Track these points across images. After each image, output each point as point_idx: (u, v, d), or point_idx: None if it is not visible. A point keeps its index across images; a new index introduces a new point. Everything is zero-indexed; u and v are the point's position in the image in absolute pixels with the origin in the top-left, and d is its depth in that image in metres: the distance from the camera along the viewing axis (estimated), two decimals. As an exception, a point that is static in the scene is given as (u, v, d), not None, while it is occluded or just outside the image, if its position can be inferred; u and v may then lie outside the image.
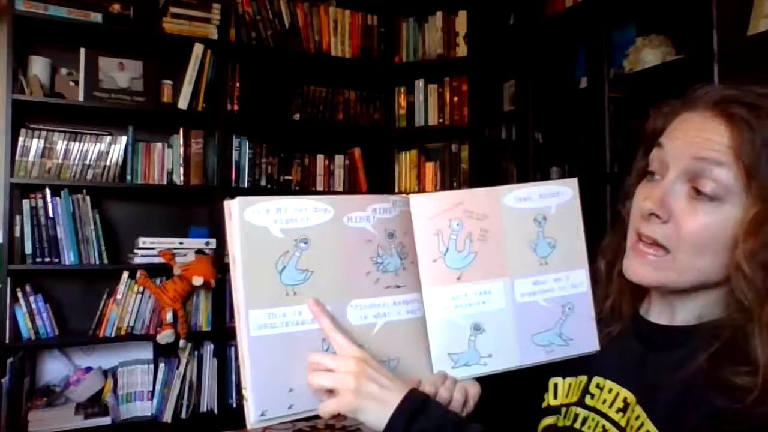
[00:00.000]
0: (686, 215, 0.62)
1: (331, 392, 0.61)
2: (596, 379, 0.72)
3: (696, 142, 0.62)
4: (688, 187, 0.63)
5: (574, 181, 0.76)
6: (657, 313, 0.71)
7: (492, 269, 0.72)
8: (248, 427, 0.62)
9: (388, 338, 0.67)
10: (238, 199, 0.61)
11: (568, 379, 0.77)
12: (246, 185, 2.65)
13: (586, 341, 0.74)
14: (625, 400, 0.67)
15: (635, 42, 1.96)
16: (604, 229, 0.78)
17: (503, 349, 0.72)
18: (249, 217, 0.61)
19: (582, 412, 0.72)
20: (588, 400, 0.72)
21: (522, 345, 0.73)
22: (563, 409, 0.75)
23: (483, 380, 0.73)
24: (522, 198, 0.73)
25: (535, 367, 0.74)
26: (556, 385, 0.78)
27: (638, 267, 0.67)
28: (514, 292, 0.73)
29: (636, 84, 1.96)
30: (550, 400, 0.78)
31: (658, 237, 0.64)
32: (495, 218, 0.72)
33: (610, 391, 0.69)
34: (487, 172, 2.76)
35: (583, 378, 0.74)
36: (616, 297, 0.74)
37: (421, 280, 0.70)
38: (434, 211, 0.71)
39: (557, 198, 0.74)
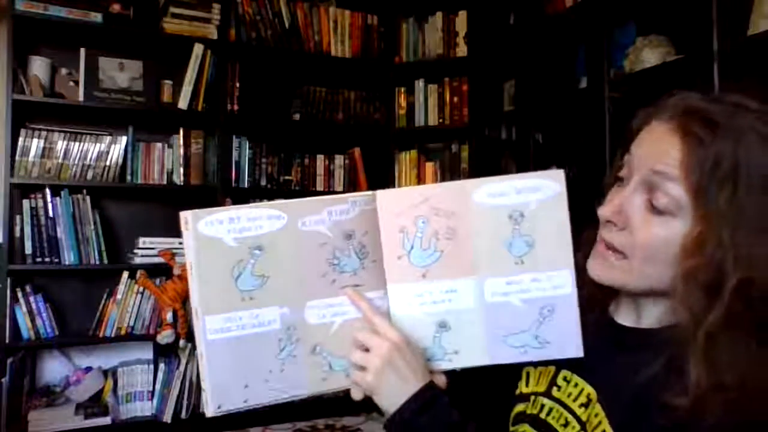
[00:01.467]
0: (640, 225, 0.63)
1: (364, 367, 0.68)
2: (564, 372, 0.74)
3: (654, 155, 0.62)
4: (645, 198, 0.63)
5: (559, 174, 0.69)
6: (624, 314, 0.72)
7: (459, 268, 0.71)
8: (207, 415, 0.66)
9: (348, 335, 0.70)
10: (192, 212, 0.64)
11: (539, 368, 0.79)
12: (246, 185, 2.64)
13: (567, 345, 0.70)
14: (588, 395, 0.68)
15: (635, 42, 1.95)
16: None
17: (470, 347, 0.72)
18: (203, 229, 0.64)
19: (548, 403, 0.74)
20: (554, 392, 0.74)
21: (491, 344, 0.71)
22: (532, 397, 0.77)
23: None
24: (494, 194, 0.70)
25: None
26: (528, 373, 0.81)
27: (596, 267, 0.68)
28: (484, 291, 0.71)
29: (636, 84, 1.96)
30: (522, 387, 0.81)
31: (615, 243, 0.65)
32: (463, 216, 0.70)
33: (576, 385, 0.71)
34: (487, 172, 2.74)
35: (552, 368, 0.76)
36: (590, 288, 0.73)
37: (386, 277, 0.71)
38: (400, 208, 0.70)
39: (538, 193, 0.69)
